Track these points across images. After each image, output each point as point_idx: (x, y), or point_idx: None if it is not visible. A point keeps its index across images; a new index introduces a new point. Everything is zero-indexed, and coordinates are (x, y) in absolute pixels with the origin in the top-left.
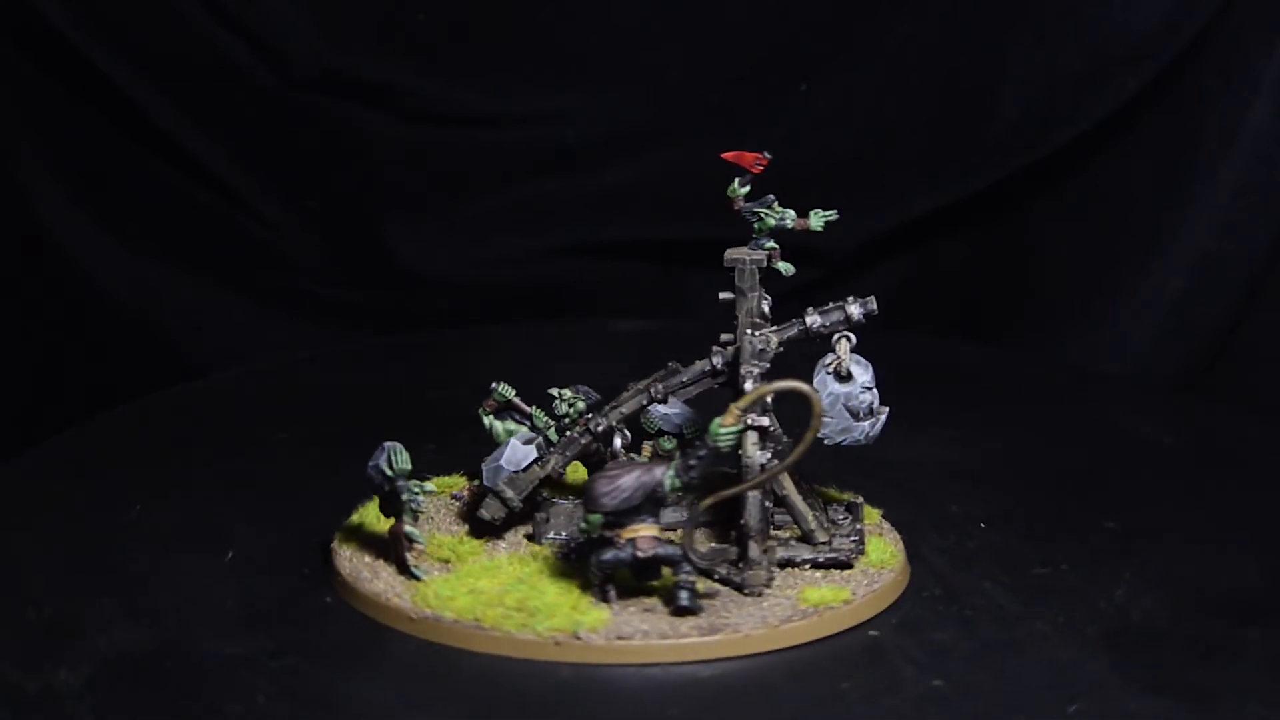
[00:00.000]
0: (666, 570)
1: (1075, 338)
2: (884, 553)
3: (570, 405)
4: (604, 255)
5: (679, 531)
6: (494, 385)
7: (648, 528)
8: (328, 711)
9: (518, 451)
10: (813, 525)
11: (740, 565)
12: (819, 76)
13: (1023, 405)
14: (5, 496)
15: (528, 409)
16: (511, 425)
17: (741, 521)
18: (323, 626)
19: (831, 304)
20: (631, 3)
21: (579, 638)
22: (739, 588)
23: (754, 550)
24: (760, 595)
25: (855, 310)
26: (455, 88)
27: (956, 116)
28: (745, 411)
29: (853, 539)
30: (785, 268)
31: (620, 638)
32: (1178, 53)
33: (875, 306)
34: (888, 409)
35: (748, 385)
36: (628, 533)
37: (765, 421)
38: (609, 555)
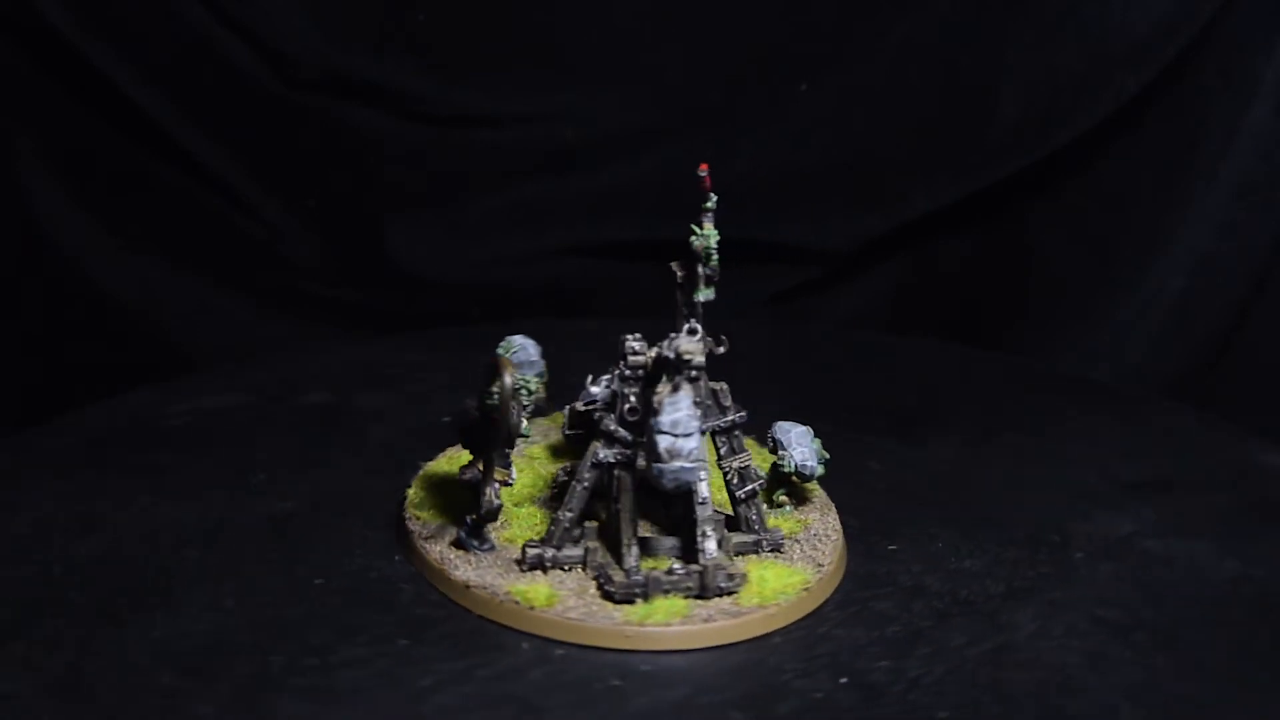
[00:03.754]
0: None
1: (1075, 338)
2: (669, 611)
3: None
4: (604, 255)
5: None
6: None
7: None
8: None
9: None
10: (624, 549)
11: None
12: (819, 76)
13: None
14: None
15: None
16: None
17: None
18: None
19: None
20: (631, 3)
21: (409, 526)
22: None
23: (553, 529)
24: (541, 570)
25: (671, 348)
26: (455, 88)
27: (956, 117)
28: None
29: (636, 578)
30: (701, 293)
31: (412, 531)
32: (1178, 53)
33: (688, 352)
34: (693, 467)
35: (597, 382)
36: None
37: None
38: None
